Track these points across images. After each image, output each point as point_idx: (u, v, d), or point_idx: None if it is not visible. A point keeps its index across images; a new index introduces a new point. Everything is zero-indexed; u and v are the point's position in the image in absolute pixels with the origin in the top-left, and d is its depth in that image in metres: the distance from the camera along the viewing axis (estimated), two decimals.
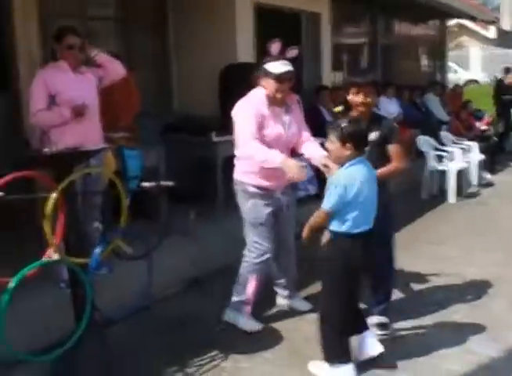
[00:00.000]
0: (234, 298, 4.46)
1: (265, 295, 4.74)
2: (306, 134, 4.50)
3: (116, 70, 4.92)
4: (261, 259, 4.36)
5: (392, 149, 4.15)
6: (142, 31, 7.90)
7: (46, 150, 3.63)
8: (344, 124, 3.59)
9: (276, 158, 4.03)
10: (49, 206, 3.17)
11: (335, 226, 3.61)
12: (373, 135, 4.06)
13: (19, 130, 6.03)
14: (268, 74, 4.20)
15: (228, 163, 6.27)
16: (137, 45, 7.74)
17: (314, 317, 4.40)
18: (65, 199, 3.31)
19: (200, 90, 7.61)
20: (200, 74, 7.69)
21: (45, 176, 3.35)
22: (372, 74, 4.30)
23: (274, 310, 4.71)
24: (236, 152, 4.35)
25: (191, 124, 6.91)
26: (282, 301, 4.79)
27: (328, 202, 3.54)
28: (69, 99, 4.57)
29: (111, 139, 5.51)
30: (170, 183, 4.09)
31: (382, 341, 4.04)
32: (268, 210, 4.34)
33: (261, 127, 4.17)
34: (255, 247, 4.36)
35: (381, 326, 4.27)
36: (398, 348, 4.05)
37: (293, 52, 4.36)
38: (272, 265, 4.59)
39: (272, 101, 4.24)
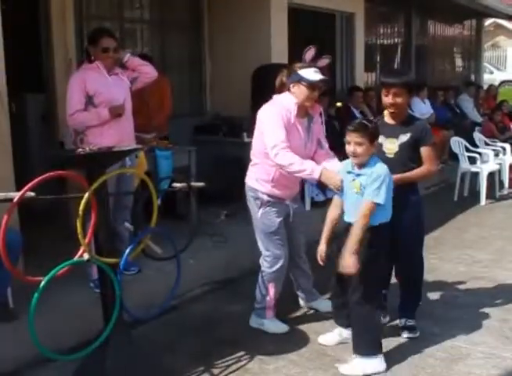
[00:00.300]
0: (256, 305, 4.48)
1: (291, 298, 4.80)
2: (326, 147, 4.42)
3: (148, 72, 4.97)
4: (276, 268, 4.35)
5: (424, 151, 4.11)
6: (177, 33, 7.97)
7: (80, 150, 3.62)
8: (368, 124, 3.73)
9: (315, 170, 3.97)
10: (82, 206, 3.19)
11: (379, 217, 3.73)
12: (404, 137, 4.07)
13: (53, 131, 6.14)
14: (301, 80, 4.14)
15: None
16: (171, 47, 7.82)
17: None
18: (97, 199, 3.33)
19: (233, 91, 7.64)
20: (233, 74, 7.73)
21: (78, 176, 3.38)
22: (405, 74, 4.24)
23: (300, 312, 4.72)
24: (255, 157, 4.30)
25: (223, 124, 6.93)
26: (303, 303, 4.81)
27: (380, 195, 3.65)
28: (106, 100, 4.65)
29: (143, 139, 5.59)
30: (201, 184, 4.08)
31: (409, 344, 4.04)
32: (280, 218, 4.31)
33: (286, 135, 4.08)
34: (269, 256, 4.35)
35: (409, 329, 4.26)
36: (425, 351, 4.04)
37: (324, 62, 4.36)
38: (290, 270, 4.59)
39: (300, 109, 4.18)
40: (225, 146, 6.75)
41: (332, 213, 4.03)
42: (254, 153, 4.31)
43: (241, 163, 6.47)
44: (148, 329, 4.33)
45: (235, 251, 5.68)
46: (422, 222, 4.30)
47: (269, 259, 4.35)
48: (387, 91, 4.07)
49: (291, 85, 4.19)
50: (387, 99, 4.09)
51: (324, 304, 4.70)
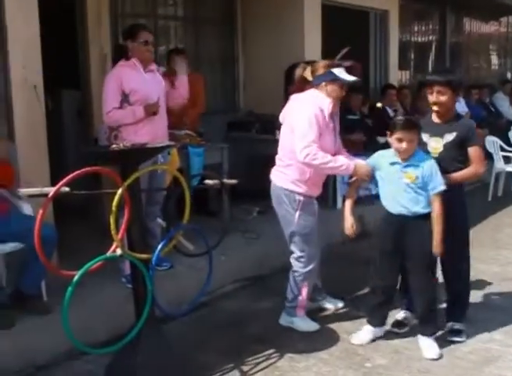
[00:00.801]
0: (287, 304, 4.44)
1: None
2: (340, 142, 4.44)
3: (182, 96, 5.03)
4: (310, 268, 4.33)
5: (473, 151, 4.01)
6: (211, 30, 7.98)
7: (114, 146, 3.62)
8: (416, 121, 3.99)
9: (350, 164, 4.09)
10: (115, 202, 3.22)
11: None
12: (450, 136, 4.01)
13: (88, 128, 6.21)
14: (336, 79, 4.15)
15: None
16: (205, 44, 7.85)
17: None
18: (130, 195, 3.36)
19: (266, 88, 7.63)
20: (266, 72, 7.73)
21: (112, 172, 3.39)
22: (450, 73, 4.16)
23: (329, 311, 4.71)
24: (289, 158, 4.23)
25: (256, 122, 6.94)
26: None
27: (443, 182, 3.87)
28: (142, 98, 4.69)
29: (176, 136, 5.62)
30: (233, 181, 4.08)
31: (440, 345, 4.02)
32: (315, 217, 4.31)
33: (319, 135, 4.09)
34: (303, 257, 4.31)
35: (457, 332, 4.18)
36: (456, 353, 4.01)
37: (347, 63, 4.39)
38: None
39: (332, 108, 4.18)
40: (257, 143, 6.75)
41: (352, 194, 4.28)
42: (286, 154, 4.25)
43: (274, 160, 6.50)
44: (179, 325, 4.35)
45: (266, 248, 5.68)
46: (467, 225, 4.23)
47: (304, 260, 4.31)
48: (431, 89, 4.02)
49: (323, 84, 4.16)
50: (430, 98, 4.05)
51: (333, 302, 4.73)
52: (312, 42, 7.67)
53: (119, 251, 3.30)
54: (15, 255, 4.17)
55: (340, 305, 4.75)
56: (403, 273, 4.16)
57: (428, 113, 4.24)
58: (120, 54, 4.81)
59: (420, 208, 3.93)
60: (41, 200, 3.13)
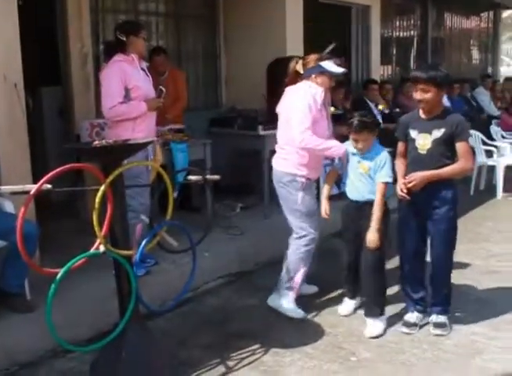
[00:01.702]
0: (281, 285, 4.56)
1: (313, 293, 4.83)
2: (332, 129, 4.71)
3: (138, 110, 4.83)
4: (309, 248, 4.51)
5: (460, 147, 3.98)
6: (192, 26, 7.96)
7: (96, 142, 3.59)
8: (367, 121, 4.25)
9: (341, 146, 4.39)
10: (98, 198, 3.19)
11: (388, 192, 4.22)
12: (437, 132, 3.98)
13: (70, 125, 6.17)
14: (324, 71, 4.41)
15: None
16: (186, 40, 7.83)
17: (356, 313, 4.54)
18: (113, 191, 3.33)
19: (248, 84, 7.62)
20: (248, 67, 7.71)
21: (94, 169, 3.37)
22: (433, 69, 4.02)
23: (313, 305, 4.71)
24: (288, 145, 4.45)
25: (238, 117, 6.94)
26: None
27: (389, 176, 4.17)
28: (142, 94, 4.73)
29: (159, 132, 5.60)
30: (216, 177, 4.07)
31: (424, 339, 4.06)
32: (315, 199, 4.58)
33: (314, 121, 4.34)
34: (305, 236, 4.50)
35: (440, 326, 4.20)
36: (441, 346, 4.03)
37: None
38: None
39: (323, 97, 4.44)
40: (240, 138, 6.73)
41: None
42: (286, 142, 4.50)
43: (256, 156, 6.53)
44: (163, 321, 4.36)
45: (250, 244, 5.69)
46: (455, 223, 4.17)
47: (305, 238, 4.50)
48: (415, 86, 3.98)
49: (313, 76, 4.43)
50: (415, 95, 4.01)
51: (310, 288, 4.90)
52: (294, 38, 7.65)
53: (102, 248, 3.27)
54: None
55: (315, 289, 4.93)
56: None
57: (414, 108, 4.23)
58: (111, 49, 4.80)
59: (373, 196, 4.20)
60: (23, 197, 3.11)
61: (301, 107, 4.34)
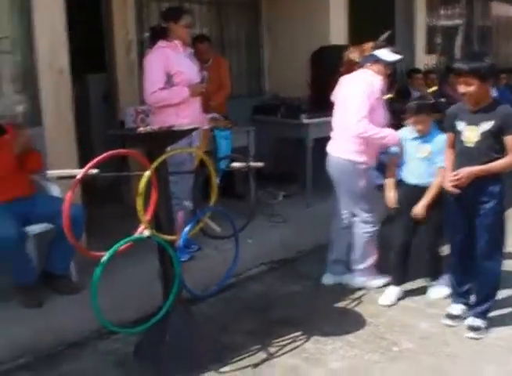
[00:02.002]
0: (359, 267, 4.72)
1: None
2: (388, 117, 4.75)
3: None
4: (375, 229, 4.67)
5: (509, 140, 3.75)
6: (235, 13, 7.92)
7: (141, 129, 3.66)
8: (427, 103, 4.44)
9: (396, 134, 4.47)
10: (142, 184, 3.23)
11: None
12: (486, 125, 3.78)
13: (114, 111, 6.24)
14: (380, 60, 4.45)
15: (319, 144, 6.30)
16: (230, 27, 7.81)
17: (399, 303, 4.49)
18: (157, 177, 3.37)
19: (291, 71, 7.57)
20: (291, 55, 7.66)
21: (139, 155, 3.41)
22: (477, 60, 3.79)
23: (355, 295, 4.68)
24: (346, 132, 4.50)
25: (281, 105, 6.92)
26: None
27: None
28: (185, 80, 4.74)
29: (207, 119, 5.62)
30: (260, 164, 4.06)
31: (469, 345, 3.93)
32: (374, 185, 4.71)
33: (371, 110, 4.39)
34: (371, 217, 4.63)
35: (474, 329, 4.02)
36: (484, 340, 3.94)
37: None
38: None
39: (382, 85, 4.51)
40: (283, 126, 6.71)
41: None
42: (343, 130, 4.55)
43: (300, 144, 6.51)
44: (206, 306, 4.37)
45: (292, 231, 5.69)
46: (502, 219, 3.99)
47: (370, 220, 4.64)
48: (457, 79, 3.80)
49: (369, 64, 4.47)
50: (458, 88, 3.81)
51: (356, 279, 4.79)
52: (338, 26, 7.58)
53: (147, 233, 3.32)
54: (44, 236, 4.22)
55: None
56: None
57: (459, 99, 4.05)
58: (157, 35, 4.82)
59: (432, 179, 4.30)
60: (70, 182, 3.16)
61: (358, 96, 4.37)
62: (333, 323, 4.22)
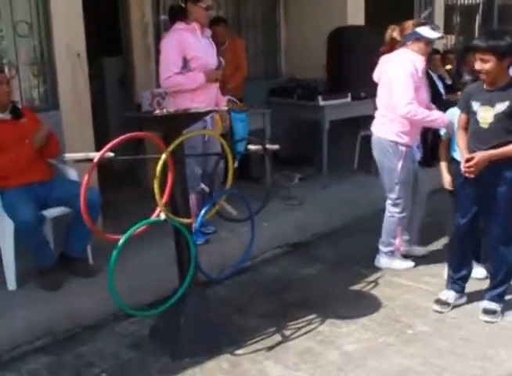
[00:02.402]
0: (384, 249, 4.81)
1: (367, 263, 4.83)
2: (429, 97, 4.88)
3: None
4: (405, 214, 4.71)
5: None
6: None
7: (157, 112, 3.64)
8: None
9: (445, 117, 4.43)
10: (159, 167, 3.24)
11: None
12: (501, 105, 3.71)
13: (131, 94, 6.23)
14: (421, 38, 4.42)
15: (335, 127, 6.28)
16: (246, 8, 7.74)
17: (410, 285, 4.51)
18: (174, 160, 3.38)
19: (308, 53, 7.49)
20: (308, 36, 7.57)
21: (155, 138, 3.41)
22: (496, 38, 3.72)
23: (372, 277, 4.68)
24: (391, 113, 4.51)
25: (298, 87, 6.88)
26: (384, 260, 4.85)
27: None
28: (202, 65, 4.68)
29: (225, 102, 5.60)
30: (276, 147, 4.07)
31: (483, 328, 3.92)
32: (412, 167, 4.69)
33: (415, 89, 4.40)
34: (401, 203, 4.67)
35: (490, 313, 4.00)
36: (500, 322, 3.93)
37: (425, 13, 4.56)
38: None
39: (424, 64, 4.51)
40: (299, 109, 6.67)
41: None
42: (387, 110, 4.57)
43: (316, 126, 6.48)
44: (222, 289, 4.40)
45: (308, 214, 5.67)
46: None
47: (401, 205, 4.67)
48: (475, 56, 3.77)
49: (409, 42, 4.45)
50: (475, 65, 3.78)
51: (420, 249, 5.00)
52: (355, 6, 7.46)
53: (163, 216, 3.34)
54: (62, 220, 4.25)
55: (424, 251, 5.05)
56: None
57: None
58: (175, 15, 4.74)
59: None
60: (87, 165, 3.18)
61: (402, 76, 4.37)
62: (348, 305, 4.23)
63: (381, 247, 4.82)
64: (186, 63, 4.65)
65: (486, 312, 4.00)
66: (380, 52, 4.67)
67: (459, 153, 3.97)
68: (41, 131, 4.22)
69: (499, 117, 3.72)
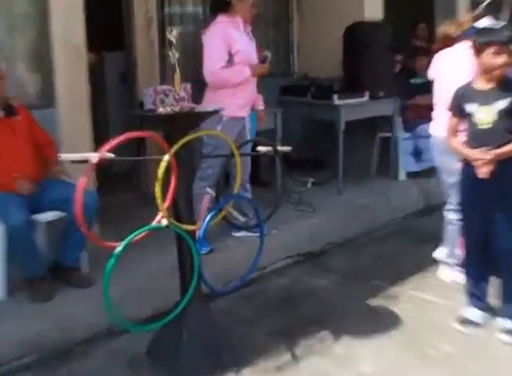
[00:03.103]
0: (448, 260, 4.55)
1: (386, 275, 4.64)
2: None
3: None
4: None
5: None
6: None
7: (160, 110, 3.54)
8: None
9: None
10: (161, 169, 3.13)
11: None
12: (502, 103, 3.62)
13: (133, 91, 6.19)
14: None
15: (351, 128, 6.06)
16: (258, 4, 7.55)
17: (434, 301, 4.31)
18: (178, 162, 3.25)
19: (322, 50, 7.35)
20: (322, 33, 7.43)
21: (158, 137, 3.32)
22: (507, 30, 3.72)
23: (394, 291, 4.49)
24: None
25: (311, 85, 6.76)
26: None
27: None
28: (245, 59, 4.70)
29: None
30: (287, 148, 3.95)
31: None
32: None
33: None
34: (458, 209, 4.37)
35: (509, 332, 3.77)
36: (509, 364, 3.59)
37: None
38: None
39: None
40: (313, 108, 6.50)
41: None
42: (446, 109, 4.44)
43: (331, 127, 6.29)
44: (227, 302, 4.27)
45: (321, 221, 5.51)
46: None
47: (459, 211, 4.30)
48: (499, 50, 3.58)
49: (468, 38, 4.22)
50: (498, 60, 3.60)
51: (443, 272, 4.65)
52: (372, 0, 7.28)
53: (165, 222, 3.23)
54: (55, 225, 4.15)
55: None
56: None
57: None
58: (217, 7, 4.76)
59: None
60: (84, 166, 3.09)
61: (465, 74, 4.06)
62: (365, 322, 4.06)
63: (446, 258, 4.62)
64: (230, 58, 4.67)
65: (506, 332, 3.76)
66: (433, 50, 4.56)
67: (460, 155, 3.84)
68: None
69: (499, 116, 3.63)
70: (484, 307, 3.93)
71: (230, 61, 4.66)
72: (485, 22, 4.18)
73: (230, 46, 4.63)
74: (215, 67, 4.60)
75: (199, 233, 3.49)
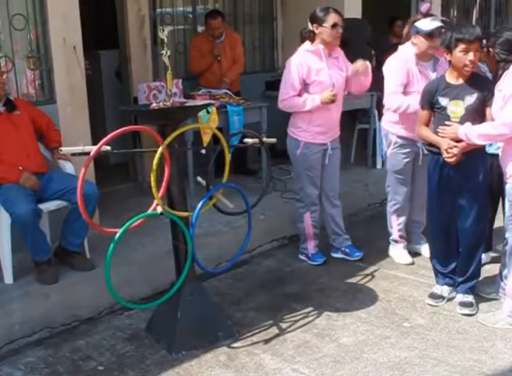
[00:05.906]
0: (390, 238, 4.91)
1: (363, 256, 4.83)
2: None
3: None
4: (396, 207, 4.77)
5: (491, 114, 3.73)
6: None
7: (153, 105, 3.62)
8: None
9: (415, 104, 4.23)
10: (155, 160, 3.24)
11: None
12: (470, 98, 3.76)
13: (127, 87, 6.18)
14: (419, 31, 4.37)
15: None
16: (243, 2, 7.70)
17: (411, 279, 4.49)
18: (170, 153, 3.38)
19: None
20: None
21: (152, 131, 3.41)
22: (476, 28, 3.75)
23: (368, 271, 4.70)
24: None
25: None
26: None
27: None
28: (322, 88, 4.50)
29: (215, 95, 5.61)
30: (273, 140, 4.07)
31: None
32: (407, 160, 4.62)
33: (407, 82, 4.44)
34: (388, 191, 4.79)
35: (467, 305, 4.01)
36: (494, 333, 3.81)
37: (426, 7, 4.49)
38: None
39: (422, 57, 4.46)
40: None
41: None
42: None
43: None
44: (218, 282, 4.42)
45: None
46: (487, 194, 3.97)
47: (391, 198, 4.79)
48: (467, 47, 3.67)
49: (412, 37, 4.44)
50: (468, 56, 3.69)
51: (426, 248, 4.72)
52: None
53: (159, 209, 3.34)
54: (58, 213, 4.23)
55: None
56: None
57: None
58: (308, 36, 4.62)
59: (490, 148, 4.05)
60: (83, 158, 3.18)
61: (391, 70, 4.48)
62: (345, 298, 4.24)
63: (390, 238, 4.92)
64: (306, 86, 4.55)
65: (464, 305, 4.02)
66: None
67: (431, 141, 3.94)
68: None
69: (469, 110, 3.77)
70: (452, 283, 4.15)
71: (306, 90, 4.53)
72: (425, 21, 4.34)
73: (305, 76, 4.49)
74: (284, 96, 4.56)
75: (191, 219, 3.55)
